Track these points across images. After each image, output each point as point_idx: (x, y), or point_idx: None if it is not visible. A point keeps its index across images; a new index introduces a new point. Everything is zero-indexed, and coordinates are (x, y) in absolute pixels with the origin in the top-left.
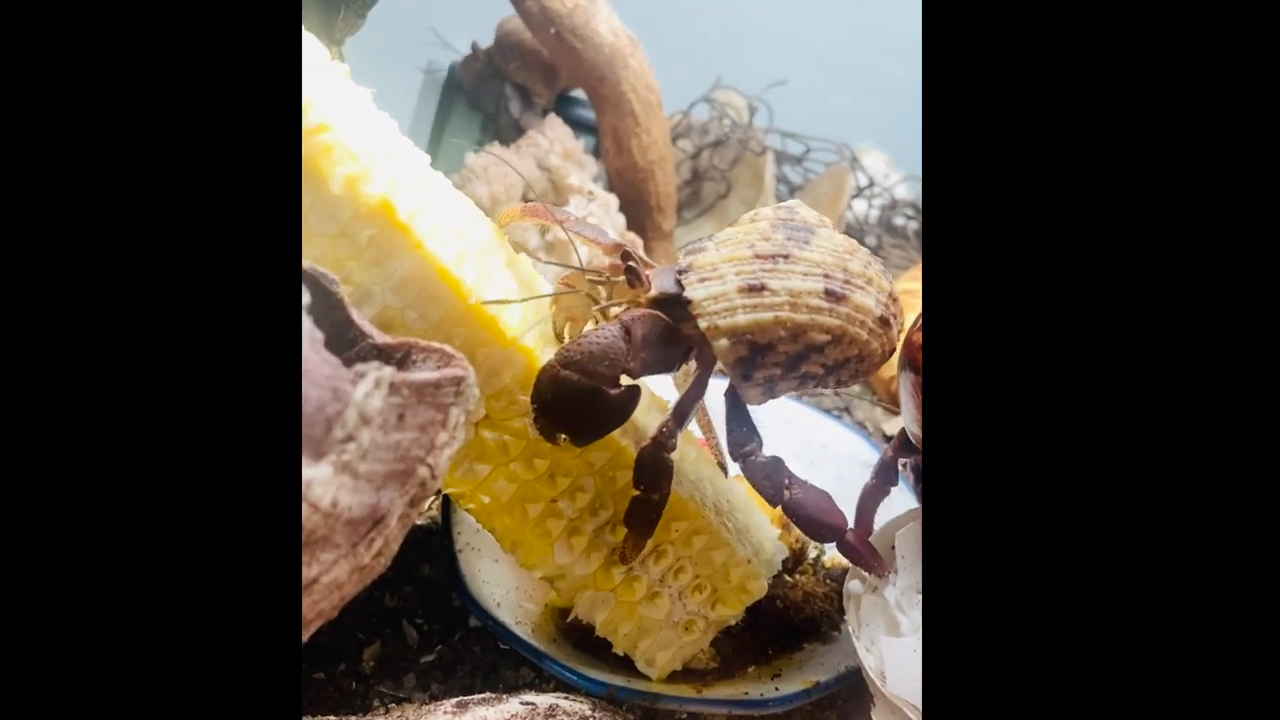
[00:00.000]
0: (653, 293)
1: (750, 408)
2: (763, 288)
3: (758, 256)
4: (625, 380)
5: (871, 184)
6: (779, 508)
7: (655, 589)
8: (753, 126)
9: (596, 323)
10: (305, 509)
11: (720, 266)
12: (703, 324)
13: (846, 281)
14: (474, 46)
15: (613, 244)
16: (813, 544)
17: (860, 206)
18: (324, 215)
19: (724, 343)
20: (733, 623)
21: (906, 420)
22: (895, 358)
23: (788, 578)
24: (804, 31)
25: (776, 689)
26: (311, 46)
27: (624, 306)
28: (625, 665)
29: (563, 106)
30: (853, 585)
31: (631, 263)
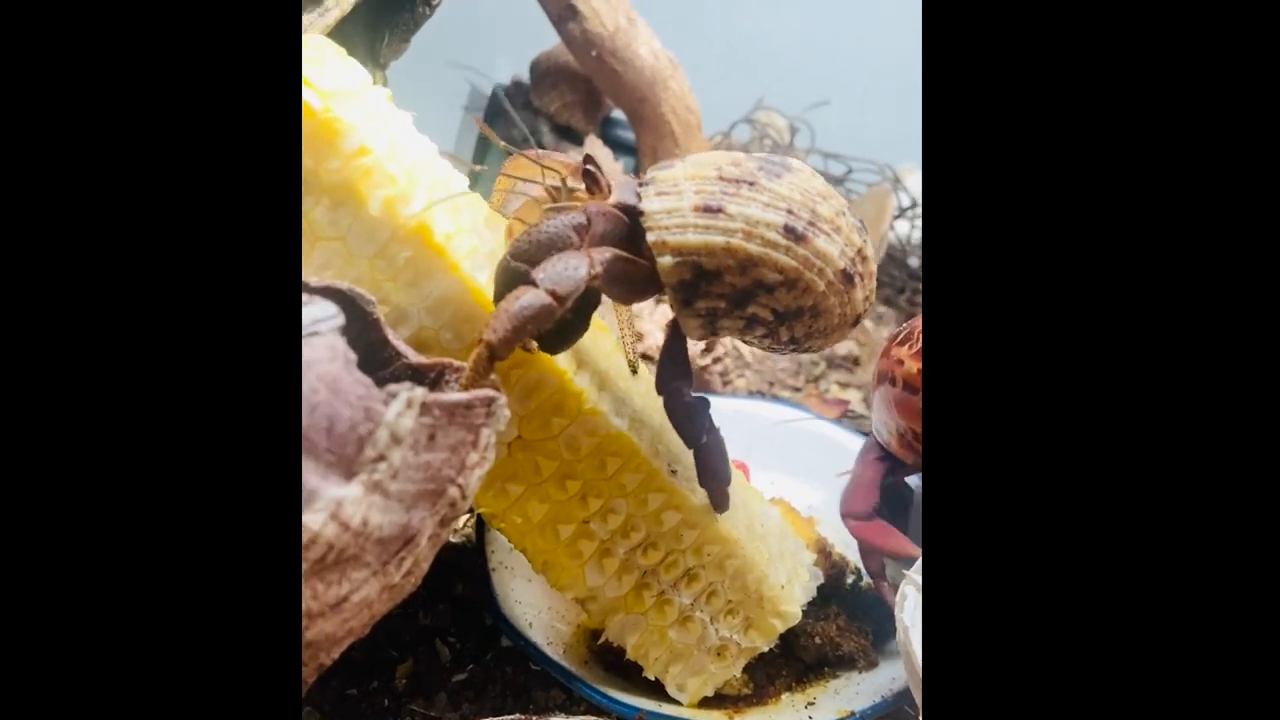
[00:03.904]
0: (611, 201)
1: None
2: (720, 210)
3: (722, 178)
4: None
5: (914, 204)
6: (692, 449)
7: (687, 613)
8: (794, 147)
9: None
10: (335, 527)
11: (681, 183)
12: (651, 238)
13: (811, 223)
14: (513, 81)
15: (576, 164)
16: (849, 569)
17: (903, 227)
18: (363, 237)
19: (668, 260)
20: (765, 649)
21: (879, 428)
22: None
23: (823, 609)
24: (846, 52)
25: (810, 718)
26: (355, 71)
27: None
28: (657, 690)
29: (603, 128)
30: (908, 590)
31: (590, 167)
